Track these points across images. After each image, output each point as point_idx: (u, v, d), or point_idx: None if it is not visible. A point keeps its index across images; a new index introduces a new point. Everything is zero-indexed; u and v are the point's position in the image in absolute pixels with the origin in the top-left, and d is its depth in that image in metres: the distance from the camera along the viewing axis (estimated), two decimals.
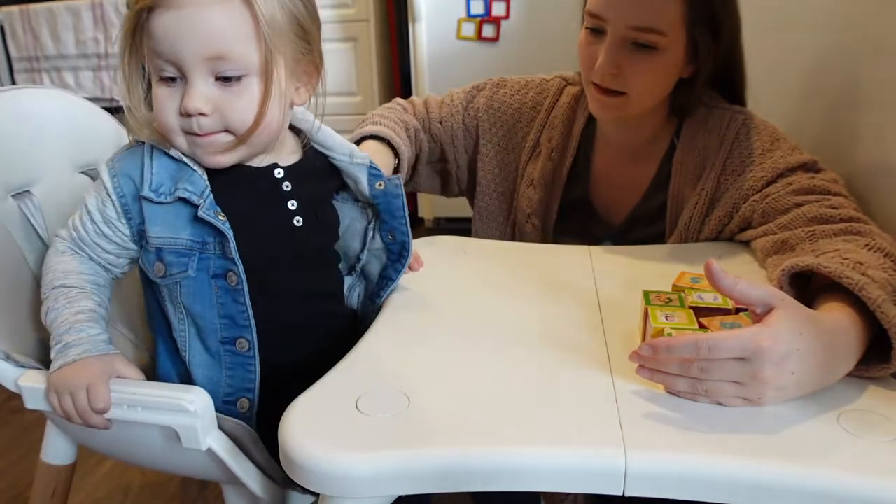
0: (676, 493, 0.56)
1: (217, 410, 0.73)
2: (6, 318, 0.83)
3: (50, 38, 2.50)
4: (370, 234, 0.87)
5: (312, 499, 0.83)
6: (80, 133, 1.00)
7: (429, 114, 1.14)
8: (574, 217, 1.10)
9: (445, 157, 1.15)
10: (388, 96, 2.63)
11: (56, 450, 0.92)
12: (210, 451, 0.73)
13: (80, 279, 0.78)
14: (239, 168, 0.77)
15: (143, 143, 0.76)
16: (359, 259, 0.88)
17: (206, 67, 0.69)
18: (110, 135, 1.05)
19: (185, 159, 0.74)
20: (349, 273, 0.90)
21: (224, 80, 0.70)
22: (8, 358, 0.79)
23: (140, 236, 0.77)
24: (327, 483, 0.58)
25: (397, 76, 2.61)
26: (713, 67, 0.96)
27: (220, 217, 0.74)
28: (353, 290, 0.91)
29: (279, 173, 0.79)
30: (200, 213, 0.73)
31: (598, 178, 1.09)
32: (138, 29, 0.69)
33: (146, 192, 0.74)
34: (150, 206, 0.74)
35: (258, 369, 0.79)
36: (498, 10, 2.20)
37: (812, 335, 0.62)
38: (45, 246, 0.89)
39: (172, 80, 0.70)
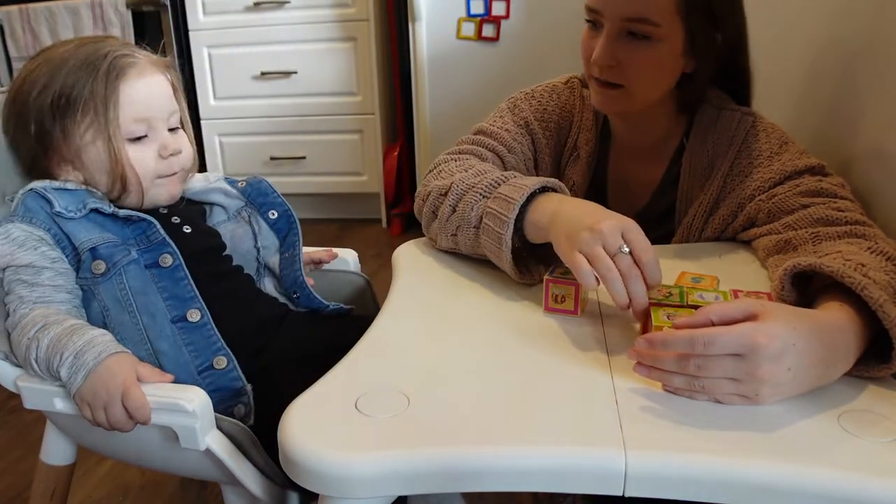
0: (676, 493, 0.56)
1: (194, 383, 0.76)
2: (5, 320, 0.83)
3: (49, 38, 2.49)
4: (256, 227, 0.99)
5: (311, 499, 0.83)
6: None
7: (494, 151, 1.01)
8: None
9: None
10: (388, 96, 2.63)
11: (55, 450, 0.92)
12: (209, 452, 0.73)
13: (58, 315, 0.77)
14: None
15: (30, 191, 0.82)
16: (258, 250, 0.99)
17: (168, 121, 0.87)
18: None
19: (81, 188, 0.84)
20: (258, 274, 1.00)
21: (173, 130, 0.89)
22: (7, 358, 0.79)
23: (74, 255, 0.81)
24: (327, 483, 0.58)
25: (397, 76, 2.61)
26: (716, 62, 0.96)
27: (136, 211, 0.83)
28: (261, 280, 1.00)
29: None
30: (122, 213, 0.82)
31: (611, 181, 1.09)
32: (109, 101, 0.81)
33: (57, 209, 0.81)
34: (65, 223, 0.81)
35: (218, 334, 0.81)
36: (498, 9, 2.20)
37: (807, 330, 0.62)
38: None
39: (141, 138, 0.85)
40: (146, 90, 0.84)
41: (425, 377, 0.68)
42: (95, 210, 0.82)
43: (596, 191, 1.09)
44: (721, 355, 0.61)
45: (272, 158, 2.63)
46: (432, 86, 2.33)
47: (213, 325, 0.81)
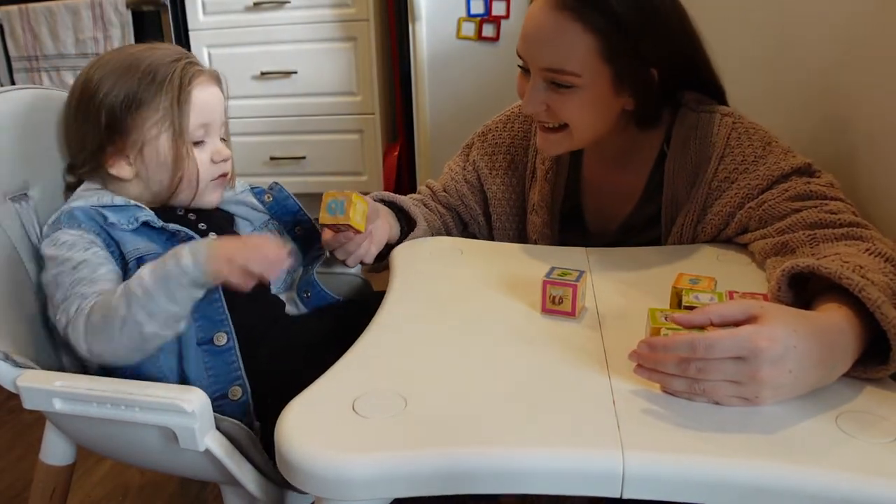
0: (674, 495, 0.56)
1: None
2: (5, 321, 0.83)
3: (49, 38, 2.49)
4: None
5: (310, 499, 0.83)
6: None
7: (431, 189, 1.16)
8: (568, 231, 1.09)
9: (464, 220, 1.15)
10: (388, 96, 2.62)
11: (55, 450, 0.92)
12: (208, 452, 0.73)
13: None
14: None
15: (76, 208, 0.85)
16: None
17: (220, 131, 0.93)
18: None
19: (131, 202, 0.87)
20: (281, 283, 1.01)
21: (223, 140, 0.95)
22: (7, 358, 0.79)
23: (122, 262, 0.83)
24: (323, 485, 0.58)
25: (397, 76, 2.61)
26: (655, 95, 0.93)
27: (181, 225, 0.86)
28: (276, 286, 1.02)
29: (181, 210, 0.93)
30: (172, 227, 0.86)
31: (588, 190, 1.09)
32: (182, 103, 0.87)
33: (112, 220, 0.84)
34: (117, 232, 0.85)
35: (240, 360, 0.81)
36: (498, 9, 2.20)
37: (807, 332, 0.62)
38: (37, 249, 0.89)
39: (199, 143, 0.90)
40: (209, 98, 0.90)
41: (423, 378, 0.68)
42: (146, 224, 0.85)
43: (569, 204, 1.09)
44: (722, 358, 0.61)
45: (272, 158, 2.62)
46: (432, 86, 2.33)
47: (238, 351, 0.82)
